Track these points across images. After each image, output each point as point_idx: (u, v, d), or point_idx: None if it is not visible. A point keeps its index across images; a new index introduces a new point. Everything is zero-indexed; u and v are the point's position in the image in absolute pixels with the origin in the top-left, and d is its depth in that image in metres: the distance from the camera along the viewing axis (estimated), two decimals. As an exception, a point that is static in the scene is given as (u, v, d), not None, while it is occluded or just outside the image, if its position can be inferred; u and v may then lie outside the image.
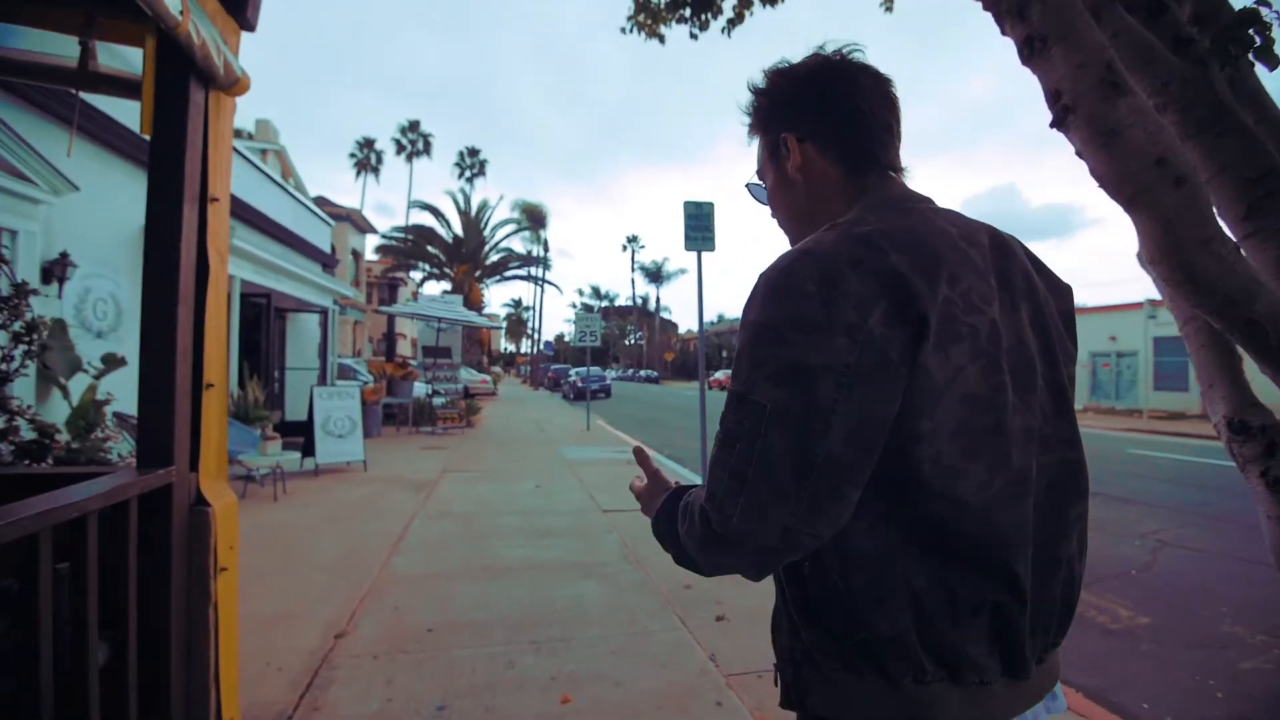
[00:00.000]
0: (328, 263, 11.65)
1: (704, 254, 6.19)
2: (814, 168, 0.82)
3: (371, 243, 27.93)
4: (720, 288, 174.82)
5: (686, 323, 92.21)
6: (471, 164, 56.59)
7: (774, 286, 0.66)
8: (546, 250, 36.75)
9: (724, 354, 59.97)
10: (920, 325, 0.62)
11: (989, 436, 0.66)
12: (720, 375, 42.34)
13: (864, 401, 0.62)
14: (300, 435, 7.06)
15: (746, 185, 0.97)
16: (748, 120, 0.89)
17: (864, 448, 0.63)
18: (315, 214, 11.31)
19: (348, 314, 24.30)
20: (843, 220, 0.72)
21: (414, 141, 56.27)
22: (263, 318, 8.01)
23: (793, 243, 0.85)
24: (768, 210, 0.92)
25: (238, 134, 18.17)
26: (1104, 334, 23.06)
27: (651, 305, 73.64)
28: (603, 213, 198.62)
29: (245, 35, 1.76)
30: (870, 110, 0.80)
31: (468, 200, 28.76)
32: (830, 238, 0.68)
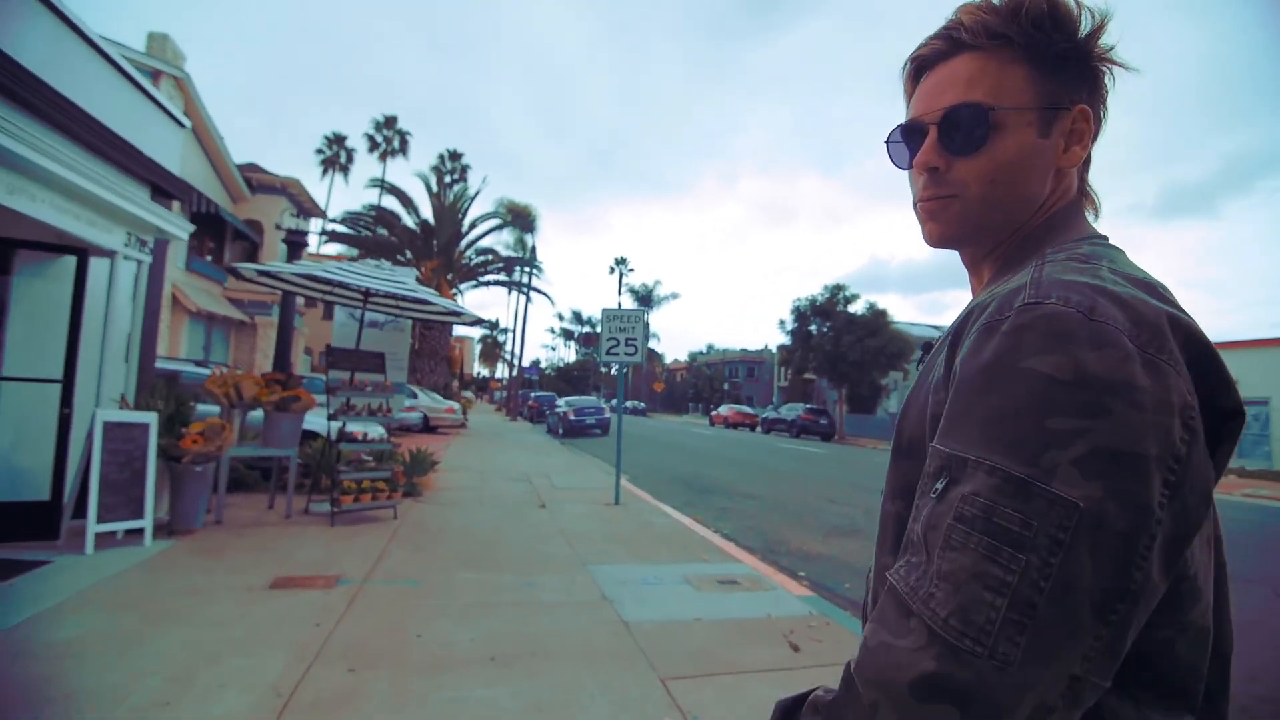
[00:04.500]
0: (166, 189, 6.25)
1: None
2: (1078, 171, 0.65)
3: (318, 229, 22.46)
4: (707, 316, 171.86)
5: (673, 352, 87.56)
6: (452, 168, 50.94)
7: (1074, 327, 0.46)
8: (534, 256, 31.67)
9: (726, 386, 55.06)
10: (1228, 422, 0.50)
11: (1207, 550, 0.54)
12: (724, 410, 37.32)
13: (1186, 509, 0.46)
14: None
15: (958, 107, 0.61)
16: (993, 26, 0.60)
17: (1170, 569, 0.46)
18: (137, 87, 5.94)
19: (272, 313, 18.63)
20: (1085, 252, 0.56)
21: (389, 139, 51.00)
22: None
23: (972, 227, 0.64)
24: (906, 158, 0.68)
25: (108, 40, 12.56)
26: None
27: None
28: (583, 241, 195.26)
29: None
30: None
31: (442, 184, 23.65)
32: (1117, 280, 0.50)
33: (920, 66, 0.66)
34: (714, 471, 12.18)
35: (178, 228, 5.31)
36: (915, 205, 0.67)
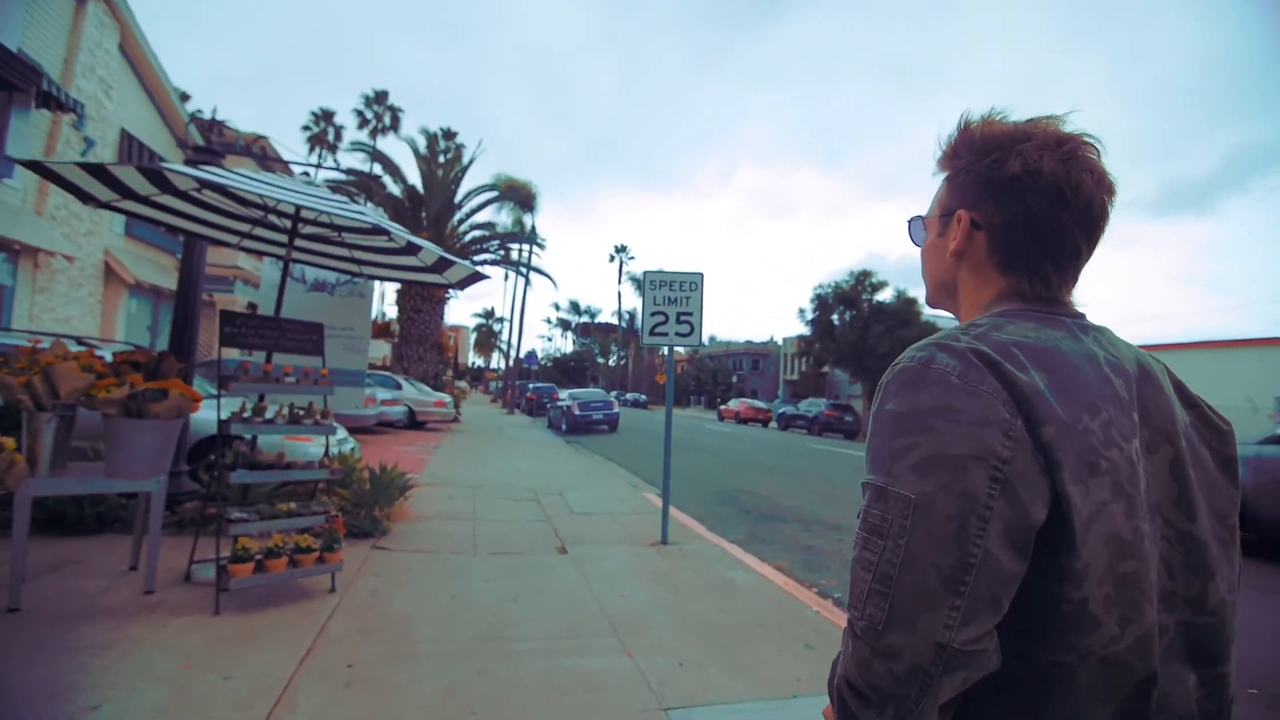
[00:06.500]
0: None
1: None
2: (974, 257, 0.76)
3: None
4: (706, 308, 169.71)
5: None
6: (447, 148, 48.54)
7: (914, 376, 0.62)
8: (535, 235, 29.34)
9: (726, 379, 52.82)
10: (1046, 452, 0.57)
11: (1128, 586, 0.59)
12: (735, 405, 35.17)
13: (1019, 501, 0.56)
14: None
15: (909, 220, 0.87)
16: (940, 152, 0.79)
17: (1020, 553, 0.57)
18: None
19: (234, 289, 16.23)
20: (980, 323, 0.68)
21: (380, 115, 47.96)
22: None
23: (929, 299, 0.86)
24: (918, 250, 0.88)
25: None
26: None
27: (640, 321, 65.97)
28: (580, 232, 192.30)
29: None
30: (1066, 230, 0.69)
31: (434, 153, 21.28)
32: (967, 340, 0.64)
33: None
34: (759, 484, 9.94)
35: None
36: None
